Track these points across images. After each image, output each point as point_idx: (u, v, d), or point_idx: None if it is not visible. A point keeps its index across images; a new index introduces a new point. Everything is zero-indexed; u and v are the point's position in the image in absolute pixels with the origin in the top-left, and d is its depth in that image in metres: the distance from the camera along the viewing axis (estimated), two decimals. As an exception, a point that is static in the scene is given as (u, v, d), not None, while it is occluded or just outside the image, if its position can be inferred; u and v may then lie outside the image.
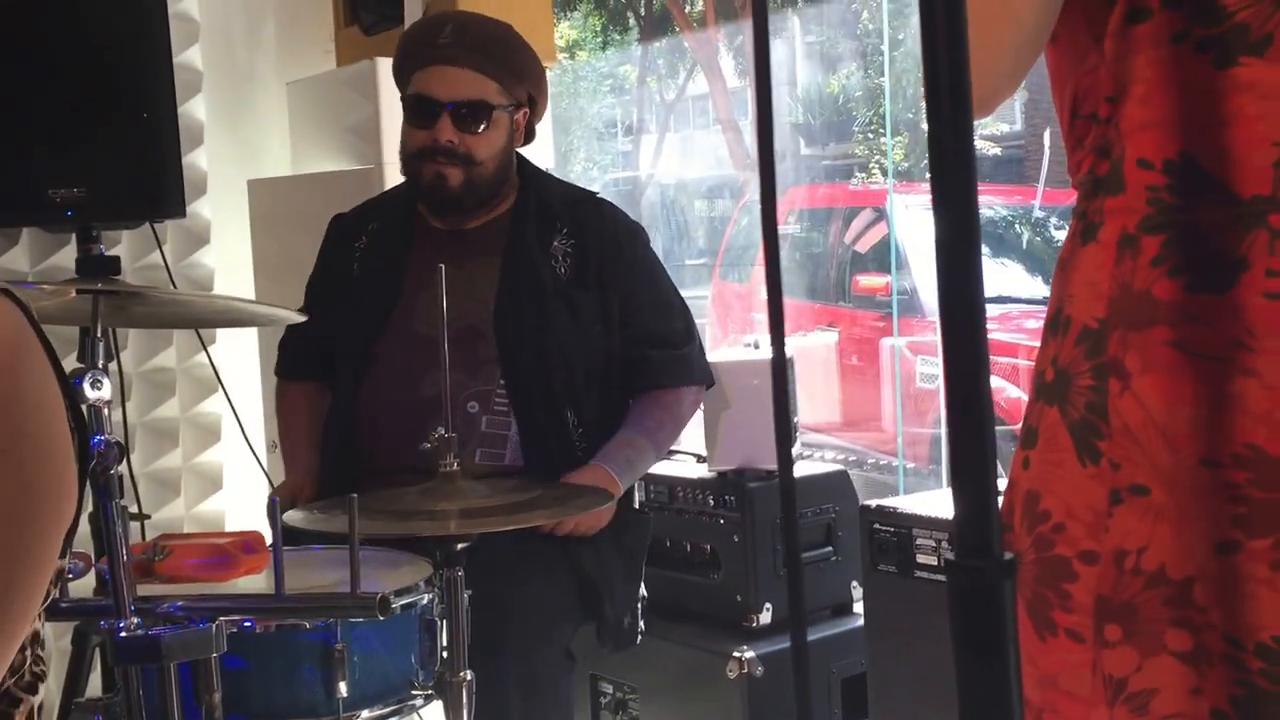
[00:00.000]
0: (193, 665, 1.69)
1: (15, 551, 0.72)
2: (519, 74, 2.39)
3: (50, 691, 2.75)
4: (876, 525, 2.51)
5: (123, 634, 1.67)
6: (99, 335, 1.71)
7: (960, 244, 0.61)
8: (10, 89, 2.65)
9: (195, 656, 1.67)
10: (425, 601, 1.89)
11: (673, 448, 3.05)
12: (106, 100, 2.71)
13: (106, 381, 1.69)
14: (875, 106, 9.80)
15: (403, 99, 2.42)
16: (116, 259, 1.85)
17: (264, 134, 3.54)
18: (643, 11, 12.30)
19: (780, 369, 0.66)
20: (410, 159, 2.40)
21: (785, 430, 0.74)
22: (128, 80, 2.75)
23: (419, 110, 2.36)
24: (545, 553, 2.25)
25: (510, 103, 2.38)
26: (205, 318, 2.32)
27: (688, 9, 11.41)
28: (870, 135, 9.76)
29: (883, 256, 6.59)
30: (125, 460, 1.91)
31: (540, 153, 2.86)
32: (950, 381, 0.61)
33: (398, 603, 1.80)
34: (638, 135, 12.32)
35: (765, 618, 2.77)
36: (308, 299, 2.50)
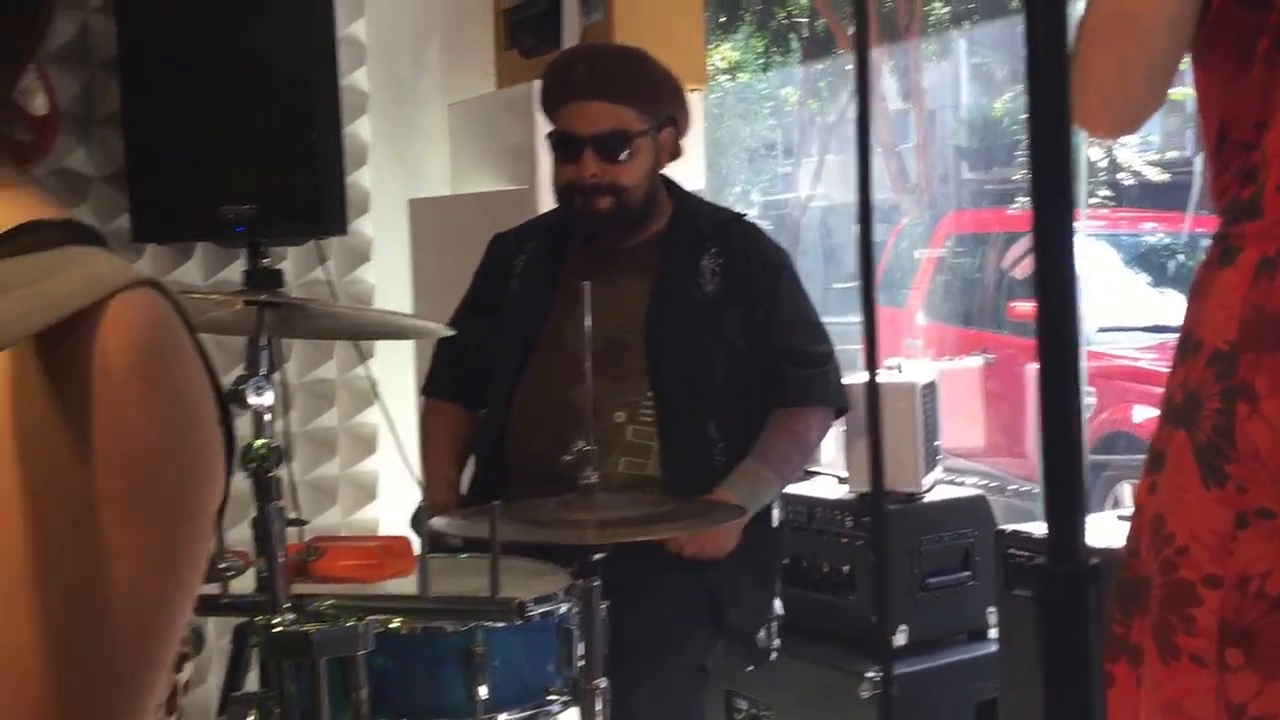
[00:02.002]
0: (341, 662, 1.77)
1: (178, 513, 0.77)
2: (654, 97, 2.45)
3: (209, 688, 2.89)
4: (1012, 550, 2.49)
5: (276, 629, 1.76)
6: (263, 344, 1.81)
7: (1056, 263, 0.63)
8: (187, 111, 2.80)
9: (343, 653, 1.75)
10: (563, 610, 1.94)
11: (812, 468, 3.08)
12: (277, 121, 2.84)
13: (269, 389, 1.79)
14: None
15: (548, 136, 2.50)
16: (279, 272, 1.96)
17: (425, 154, 3.66)
18: (805, 33, 12.30)
19: (873, 392, 0.68)
20: (561, 192, 2.49)
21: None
22: (298, 102, 2.88)
23: (563, 146, 2.45)
24: (677, 566, 2.29)
25: (650, 126, 2.43)
26: (362, 330, 2.43)
27: (851, 30, 11.36)
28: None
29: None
30: (285, 466, 2.01)
31: (692, 173, 2.91)
32: (1042, 390, 0.63)
33: (536, 610, 1.87)
34: (797, 158, 12.31)
35: (900, 639, 2.76)
36: (462, 315, 2.59)
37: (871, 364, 0.71)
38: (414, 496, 3.20)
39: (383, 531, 3.42)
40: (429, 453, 2.61)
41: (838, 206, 10.78)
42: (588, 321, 1.97)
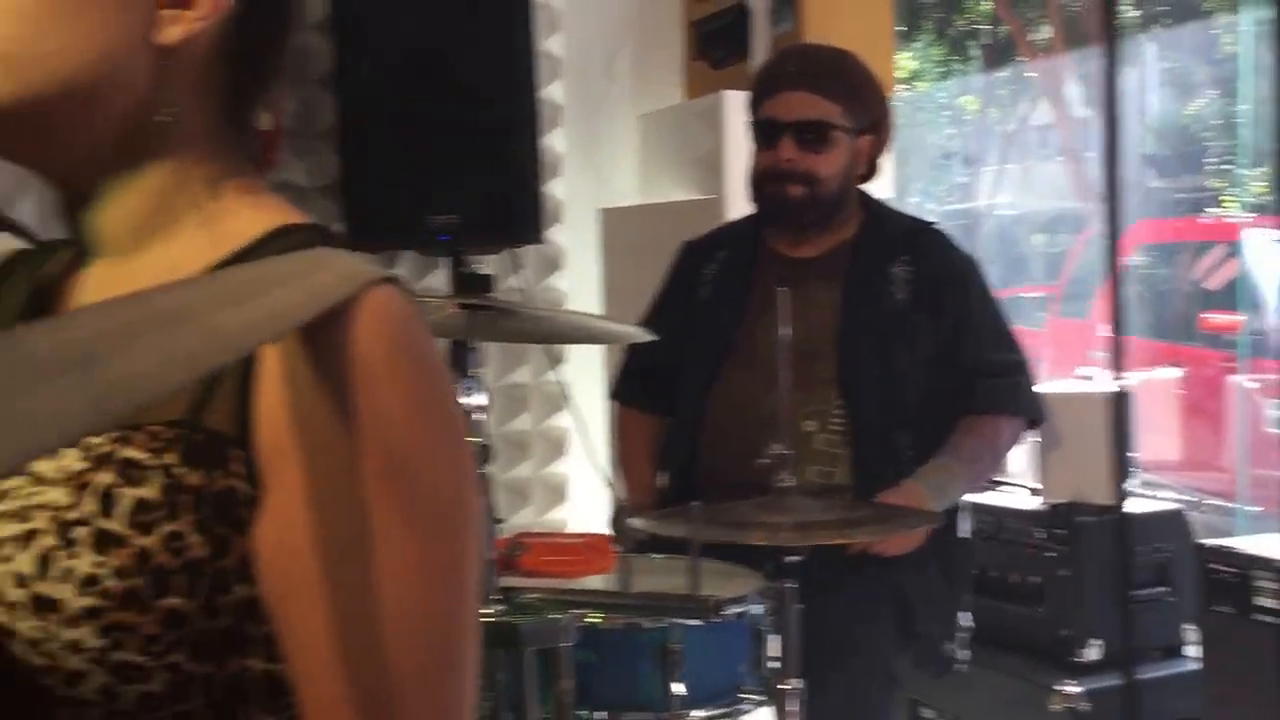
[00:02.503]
0: (545, 654, 1.84)
1: (469, 489, 0.82)
2: (860, 97, 2.48)
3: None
4: (1213, 565, 2.43)
5: (486, 620, 1.84)
6: (472, 346, 1.90)
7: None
8: (396, 125, 2.93)
9: (549, 645, 1.82)
10: (757, 611, 1.98)
11: (1002, 479, 3.04)
12: (479, 134, 2.95)
13: (480, 390, 1.88)
14: (1232, 136, 9.26)
15: (752, 126, 2.55)
16: (489, 277, 2.05)
17: (616, 164, 3.75)
18: (985, 40, 12.08)
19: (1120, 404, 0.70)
20: (755, 181, 2.53)
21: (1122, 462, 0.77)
22: (498, 115, 2.99)
23: (764, 133, 2.50)
24: (867, 571, 2.30)
25: (852, 125, 2.46)
26: (562, 333, 2.50)
27: (1033, 37, 11.13)
28: (1225, 167, 9.23)
29: (1234, 294, 6.24)
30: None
31: (880, 181, 2.93)
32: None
33: (731, 609, 1.91)
34: (976, 166, 12.09)
35: (1093, 653, 2.72)
36: (651, 321, 2.64)
37: (1117, 375, 0.73)
38: (603, 498, 3.29)
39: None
40: (627, 458, 2.68)
41: (1018, 216, 10.56)
42: (785, 329, 2.01)
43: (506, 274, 3.36)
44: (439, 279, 3.25)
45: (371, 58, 2.93)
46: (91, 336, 0.63)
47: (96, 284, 0.89)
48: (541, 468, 3.55)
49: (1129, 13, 10.56)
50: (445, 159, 2.90)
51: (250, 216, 0.87)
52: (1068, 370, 6.38)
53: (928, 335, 2.44)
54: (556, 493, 3.57)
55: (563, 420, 3.52)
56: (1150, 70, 10.77)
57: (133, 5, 0.82)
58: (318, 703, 0.78)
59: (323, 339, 0.76)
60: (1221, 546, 2.45)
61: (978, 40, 12.26)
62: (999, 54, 11.92)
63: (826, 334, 2.42)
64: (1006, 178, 11.64)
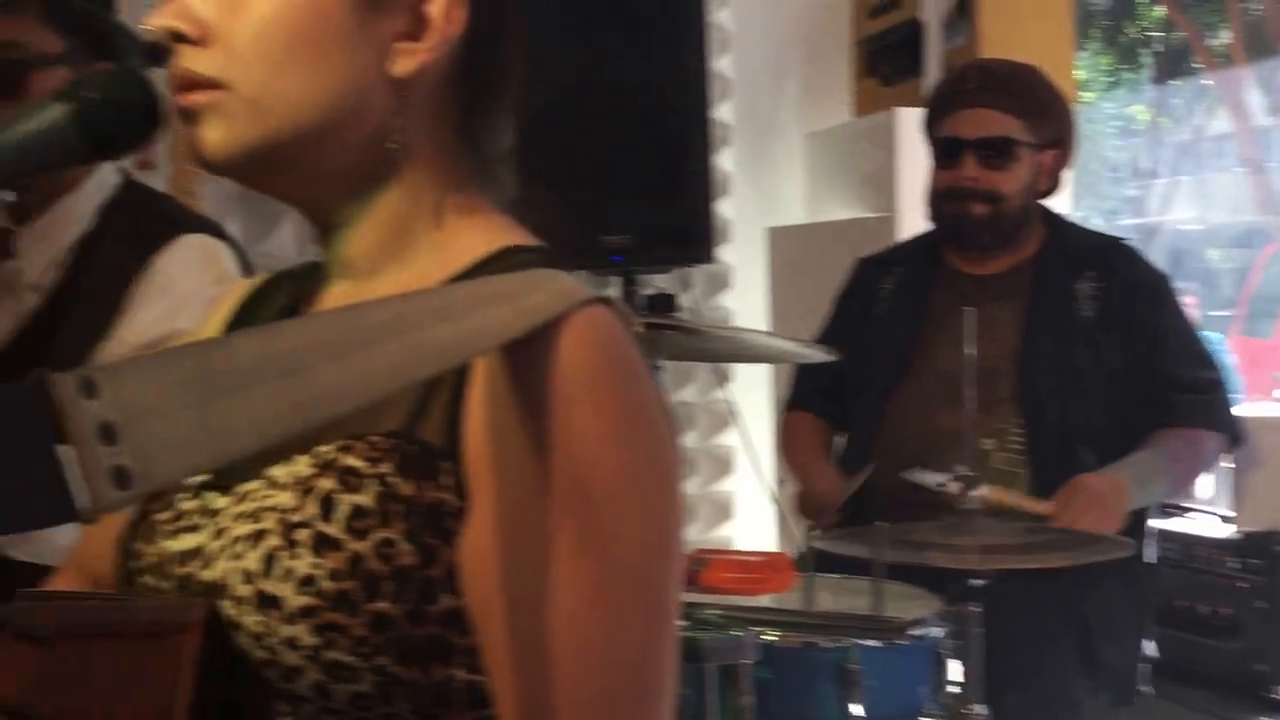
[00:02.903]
0: (725, 669, 1.85)
1: (667, 516, 0.81)
2: (1043, 112, 2.43)
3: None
4: None
5: (668, 635, 1.86)
6: (657, 365, 1.92)
7: None
8: (571, 145, 2.98)
9: (730, 661, 1.82)
10: (937, 634, 1.95)
11: (1190, 504, 2.94)
12: (653, 154, 2.98)
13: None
14: None
15: (930, 144, 2.52)
16: (673, 297, 2.08)
17: (784, 183, 3.75)
18: (1157, 48, 11.73)
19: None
20: (935, 200, 2.50)
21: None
22: (671, 135, 3.01)
23: (944, 151, 2.46)
24: (1049, 595, 2.25)
25: (1035, 141, 2.42)
26: (743, 353, 2.51)
27: (1210, 43, 10.76)
28: None
29: None
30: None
31: (1057, 196, 2.87)
32: None
33: (913, 630, 1.89)
34: (1148, 179, 11.74)
35: (1290, 691, 2.60)
36: (827, 336, 2.63)
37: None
38: (768, 519, 3.28)
39: (736, 551, 3.52)
40: (800, 452, 2.62)
41: (1193, 230, 10.22)
42: (970, 349, 1.98)
43: (676, 293, 3.38)
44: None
45: (548, 80, 2.98)
46: (302, 346, 0.65)
47: (336, 302, 0.92)
48: (708, 485, 3.57)
49: (1314, 18, 10.14)
50: (619, 179, 2.93)
51: (478, 238, 0.90)
52: (1258, 392, 6.13)
53: (1116, 352, 2.38)
54: (722, 510, 3.58)
55: (729, 438, 3.53)
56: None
57: (369, 41, 0.86)
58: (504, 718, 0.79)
59: (528, 357, 0.77)
60: None
61: (1149, 48, 11.91)
62: (1172, 62, 11.57)
63: (1007, 351, 2.38)
64: (1180, 191, 11.28)
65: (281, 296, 1.01)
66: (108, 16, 1.77)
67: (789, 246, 3.61)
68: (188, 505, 0.89)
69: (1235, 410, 2.45)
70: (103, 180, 1.77)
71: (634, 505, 0.79)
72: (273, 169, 0.87)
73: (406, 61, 0.87)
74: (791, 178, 3.75)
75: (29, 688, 0.77)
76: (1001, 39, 3.25)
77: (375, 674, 0.80)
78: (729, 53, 3.57)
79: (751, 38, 3.64)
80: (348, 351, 0.65)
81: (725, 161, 3.54)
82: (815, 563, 2.07)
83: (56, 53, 1.68)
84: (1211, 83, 10.95)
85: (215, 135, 0.86)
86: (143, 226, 1.73)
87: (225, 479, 0.87)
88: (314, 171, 0.88)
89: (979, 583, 1.93)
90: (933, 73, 3.34)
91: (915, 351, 2.47)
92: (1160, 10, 10.90)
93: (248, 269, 1.81)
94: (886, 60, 3.59)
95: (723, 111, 3.52)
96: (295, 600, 0.79)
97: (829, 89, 3.77)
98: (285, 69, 0.84)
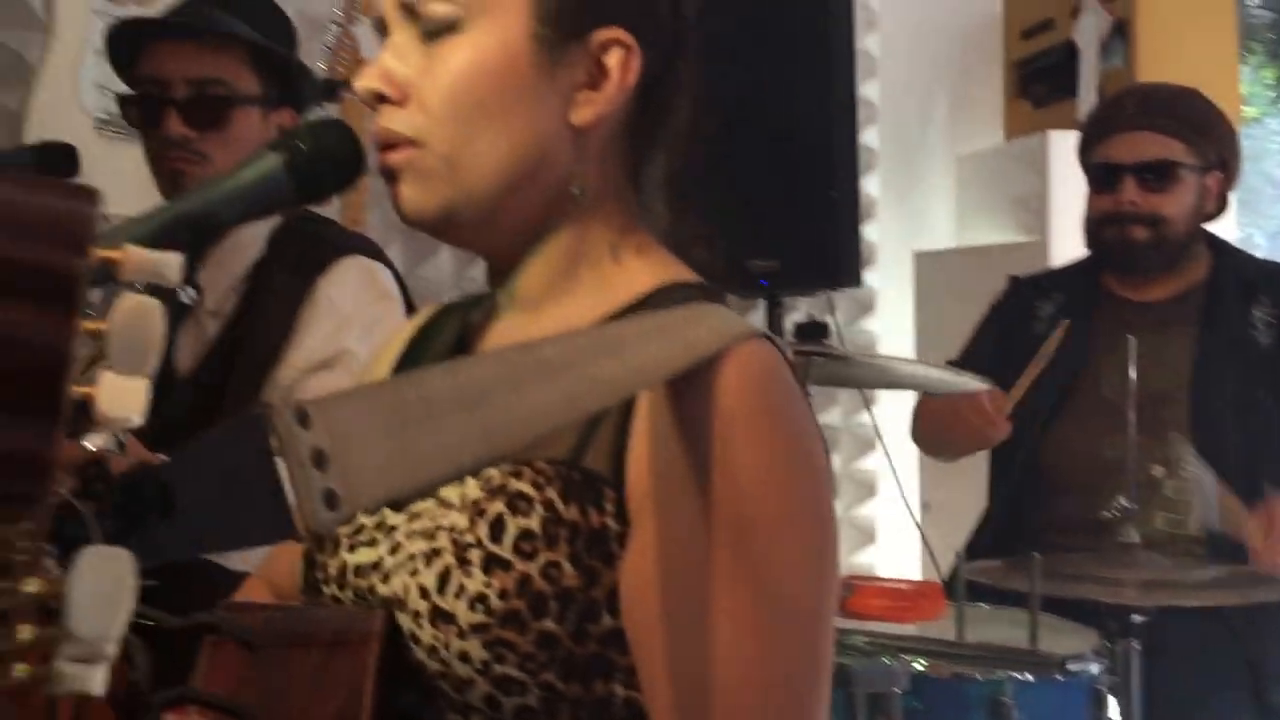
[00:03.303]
0: (876, 697, 1.83)
1: (823, 548, 0.84)
2: (1205, 133, 2.38)
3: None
4: None
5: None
6: (810, 392, 1.92)
7: None
8: (719, 171, 2.99)
9: (880, 689, 1.81)
10: (1095, 670, 1.91)
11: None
12: (799, 179, 2.98)
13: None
14: None
15: (1087, 170, 2.48)
16: (826, 325, 2.08)
17: (931, 207, 3.72)
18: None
19: None
20: (1094, 225, 2.46)
21: None
22: (818, 160, 3.01)
23: (1102, 177, 2.42)
24: (1219, 634, 2.19)
25: (1198, 163, 2.37)
26: (894, 381, 2.49)
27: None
28: None
29: None
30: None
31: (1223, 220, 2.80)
32: None
33: (1071, 666, 1.85)
34: (1311, 200, 11.31)
35: None
36: (978, 351, 2.58)
37: None
38: (913, 543, 3.24)
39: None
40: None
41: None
42: (1132, 374, 1.94)
43: (820, 317, 3.37)
44: (757, 322, 3.29)
45: (699, 108, 3.01)
46: (484, 380, 0.69)
47: (504, 334, 0.97)
48: (850, 509, 3.54)
49: None
50: (766, 204, 2.94)
51: (641, 274, 0.94)
52: None
53: None
54: (865, 535, 3.55)
55: (873, 462, 3.50)
56: None
57: (552, 94, 0.90)
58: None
59: (690, 390, 0.80)
60: None
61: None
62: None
63: (1179, 379, 2.34)
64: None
65: (452, 327, 1.05)
66: (300, 62, 1.87)
67: (936, 271, 3.57)
68: (366, 521, 0.93)
69: None
70: None
71: (790, 536, 0.82)
72: (467, 223, 0.92)
73: (587, 111, 0.91)
74: (940, 201, 3.72)
75: (236, 688, 0.83)
76: (1160, 59, 3.18)
77: (541, 689, 0.84)
78: (875, 78, 3.55)
79: (899, 62, 3.62)
80: (525, 385, 0.69)
81: (871, 186, 3.53)
82: (966, 592, 2.04)
83: (256, 94, 1.80)
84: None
85: (413, 193, 0.91)
86: (307, 252, 1.82)
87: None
88: (503, 221, 0.92)
89: (1140, 618, 1.89)
90: (1087, 95, 3.28)
91: (1078, 379, 2.43)
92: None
93: (404, 288, 1.88)
94: (1040, 82, 3.54)
95: (869, 136, 3.51)
96: (468, 617, 0.84)
97: (979, 111, 3.73)
98: (476, 125, 0.89)
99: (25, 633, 0.46)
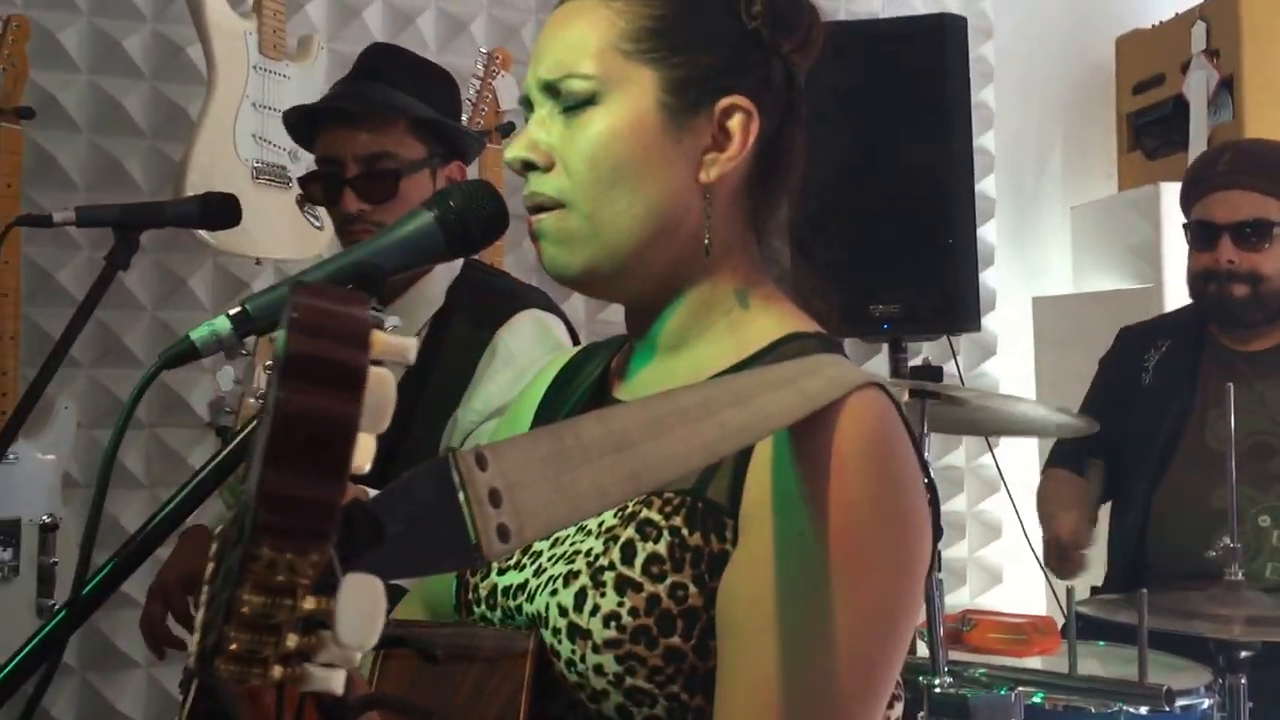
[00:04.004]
0: (992, 728, 1.94)
1: (891, 576, 0.93)
2: None
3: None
4: None
5: (937, 690, 1.97)
6: (926, 434, 2.05)
7: None
8: (842, 219, 3.11)
9: None
10: (1206, 706, 1.99)
11: None
12: (920, 226, 3.10)
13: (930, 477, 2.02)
14: None
15: (1185, 226, 2.57)
16: (940, 369, 2.19)
17: (1047, 254, 3.80)
18: None
19: None
20: (1195, 280, 2.55)
21: None
22: (938, 209, 3.12)
23: (1200, 235, 2.51)
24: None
25: None
26: (1006, 425, 2.59)
27: None
28: None
29: None
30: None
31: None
32: None
33: (1182, 700, 1.94)
34: None
35: None
36: (1093, 405, 2.68)
37: None
38: (1038, 582, 3.32)
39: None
40: (1050, 501, 2.65)
41: None
42: (1232, 421, 2.03)
43: (943, 360, 3.48)
44: (879, 364, 3.41)
45: (822, 157, 3.14)
46: (631, 427, 0.79)
47: (645, 377, 1.08)
48: (977, 550, 3.62)
49: None
50: (888, 250, 3.06)
51: (767, 323, 1.04)
52: None
53: None
54: (993, 575, 3.62)
55: (996, 504, 3.58)
56: None
57: (682, 156, 1.01)
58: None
59: (809, 434, 0.90)
60: None
61: None
62: None
63: (1235, 440, 2.37)
64: None
65: (595, 365, 1.18)
66: (457, 123, 2.01)
67: (1054, 315, 3.65)
68: None
69: None
70: (451, 264, 2.01)
71: (892, 568, 0.92)
72: (607, 277, 1.04)
73: (713, 171, 1.02)
74: (1056, 249, 3.80)
75: (407, 696, 0.94)
76: (1267, 114, 3.23)
77: (668, 700, 0.94)
78: (991, 129, 3.66)
79: (1015, 114, 3.72)
80: (667, 432, 0.79)
81: (990, 234, 3.62)
82: (1086, 629, 2.13)
83: (421, 158, 1.92)
84: None
85: (558, 252, 1.02)
86: (486, 303, 1.93)
87: None
88: (640, 273, 1.03)
89: (1247, 654, 1.97)
90: (1198, 148, 3.34)
91: (1185, 428, 2.50)
92: None
93: (576, 339, 1.99)
94: (1151, 135, 3.60)
95: (987, 185, 3.61)
96: (602, 633, 0.95)
97: (1092, 162, 3.81)
98: (615, 186, 1.00)
99: (291, 641, 0.53)
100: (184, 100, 2.86)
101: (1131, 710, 1.95)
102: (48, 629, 1.00)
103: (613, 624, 0.93)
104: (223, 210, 1.86)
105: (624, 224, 1.01)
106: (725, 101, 1.02)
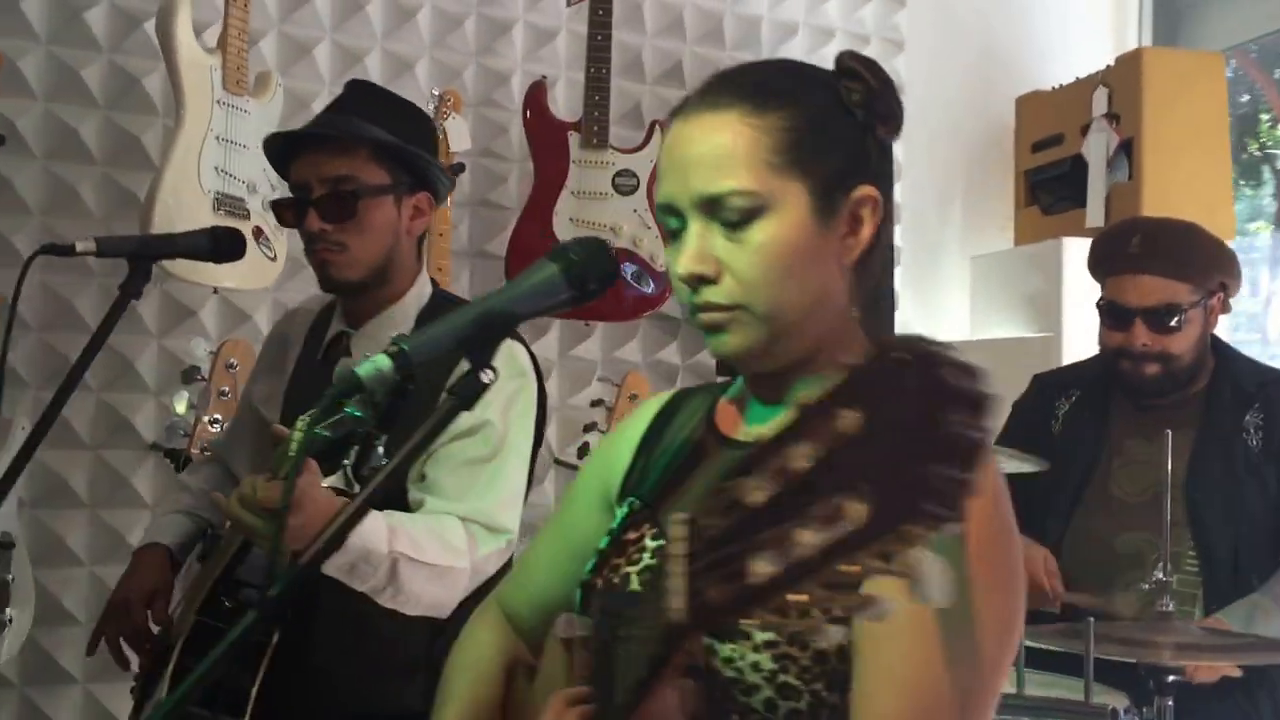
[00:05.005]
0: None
1: (1016, 591, 1.10)
2: (1206, 270, 2.58)
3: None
4: None
5: None
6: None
7: None
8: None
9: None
10: (1132, 724, 2.16)
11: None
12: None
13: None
14: None
15: (1098, 303, 2.69)
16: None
17: (947, 302, 3.99)
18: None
19: None
20: (1108, 355, 2.66)
21: None
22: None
23: (1112, 314, 2.62)
24: (1234, 694, 2.44)
25: (1201, 297, 2.57)
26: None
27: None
28: None
29: None
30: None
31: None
32: None
33: (1126, 718, 2.09)
34: (1267, 296, 11.64)
35: None
36: (1003, 446, 2.82)
37: None
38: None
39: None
40: None
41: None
42: (1169, 465, 2.20)
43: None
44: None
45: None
46: None
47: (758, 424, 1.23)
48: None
49: None
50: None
51: None
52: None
53: (1277, 483, 2.53)
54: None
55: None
56: None
57: (829, 245, 1.15)
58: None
59: None
60: None
61: (1271, 165, 11.90)
62: (1293, 180, 11.51)
63: (1176, 478, 2.48)
64: (1300, 307, 11.13)
65: (692, 412, 1.30)
66: (422, 152, 2.08)
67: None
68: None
69: None
70: (419, 291, 2.09)
71: (1016, 584, 1.09)
72: (772, 355, 1.17)
73: (854, 253, 1.16)
74: (955, 297, 3.99)
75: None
76: (1162, 177, 3.45)
77: (811, 696, 1.08)
78: (899, 181, 3.84)
79: (919, 168, 3.91)
80: None
81: (894, 281, 3.80)
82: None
83: (383, 184, 2.01)
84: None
85: (736, 341, 1.15)
86: None
87: None
88: (796, 349, 1.17)
89: (1173, 678, 2.14)
90: (1095, 206, 3.55)
91: (1093, 477, 2.64)
92: (1280, 128, 10.91)
93: (538, 366, 2.07)
94: (1048, 191, 3.80)
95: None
96: (761, 635, 1.08)
97: (992, 216, 4.02)
98: (785, 286, 1.13)
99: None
100: (138, 130, 2.88)
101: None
102: None
103: (770, 628, 1.05)
104: (229, 244, 1.95)
105: (793, 314, 1.14)
106: (858, 194, 1.15)
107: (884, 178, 1.19)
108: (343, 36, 3.22)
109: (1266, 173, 12.06)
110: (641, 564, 1.21)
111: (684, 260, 1.14)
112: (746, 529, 0.71)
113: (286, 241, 2.80)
